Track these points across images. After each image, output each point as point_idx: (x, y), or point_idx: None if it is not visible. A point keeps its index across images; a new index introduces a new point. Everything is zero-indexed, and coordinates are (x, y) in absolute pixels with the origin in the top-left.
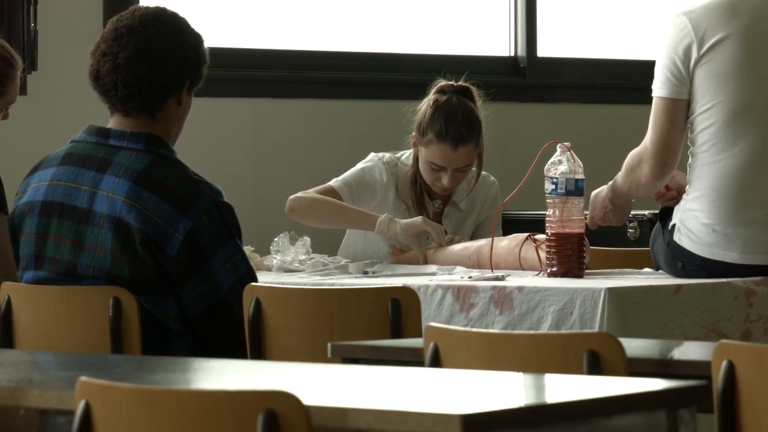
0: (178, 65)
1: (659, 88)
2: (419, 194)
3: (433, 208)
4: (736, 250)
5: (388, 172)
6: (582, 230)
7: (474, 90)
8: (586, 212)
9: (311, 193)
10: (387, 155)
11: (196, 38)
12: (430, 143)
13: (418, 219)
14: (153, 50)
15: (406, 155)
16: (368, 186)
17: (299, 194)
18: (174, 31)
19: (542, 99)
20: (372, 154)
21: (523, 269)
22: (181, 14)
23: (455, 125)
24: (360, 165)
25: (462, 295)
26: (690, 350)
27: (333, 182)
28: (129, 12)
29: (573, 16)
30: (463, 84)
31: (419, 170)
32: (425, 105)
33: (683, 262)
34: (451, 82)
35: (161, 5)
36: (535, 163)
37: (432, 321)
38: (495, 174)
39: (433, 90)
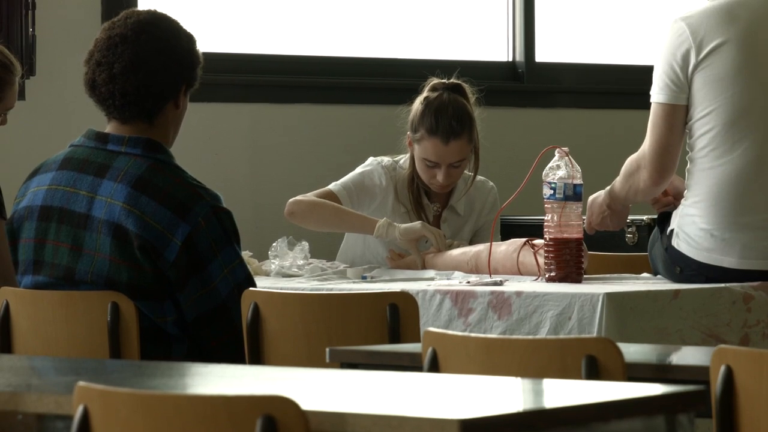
0: (174, 71)
1: (657, 94)
2: (416, 195)
3: (432, 212)
4: (735, 255)
5: (387, 176)
6: (580, 235)
7: (466, 87)
8: (584, 217)
9: (310, 196)
10: (386, 159)
11: (189, 40)
12: (422, 139)
13: (417, 224)
14: (148, 58)
15: (405, 159)
16: (367, 190)
17: (298, 197)
18: (167, 36)
19: (540, 104)
20: (371, 158)
21: (521, 274)
22: (173, 16)
23: (446, 120)
24: (359, 169)
25: (460, 300)
26: (688, 355)
27: (332, 186)
28: (121, 19)
29: (571, 22)
30: (455, 81)
31: (416, 171)
32: (417, 103)
33: (681, 267)
34: (443, 80)
35: (153, 9)
36: (534, 168)
37: (430, 326)
38: (493, 179)
39: (426, 88)
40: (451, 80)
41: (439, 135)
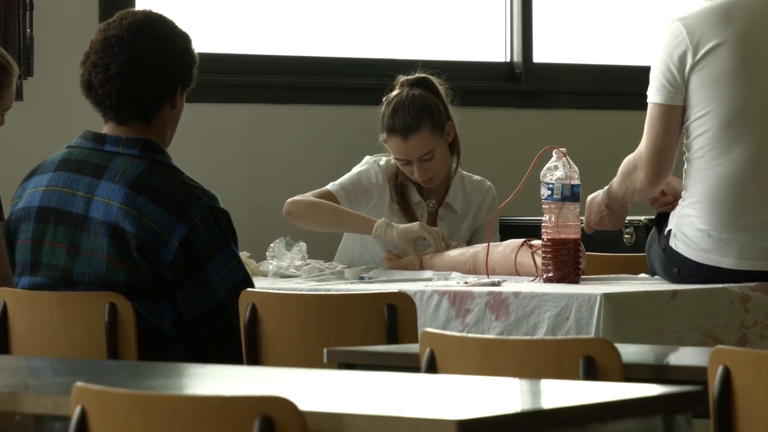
0: (170, 71)
1: (654, 95)
2: (401, 192)
3: (428, 208)
4: (732, 256)
5: (383, 174)
6: (578, 236)
7: (433, 80)
8: (582, 217)
9: (308, 196)
10: (383, 158)
11: (185, 40)
12: (387, 139)
13: (416, 224)
14: (144, 59)
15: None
16: (365, 189)
17: (296, 197)
18: (163, 36)
19: (538, 105)
20: (367, 157)
21: (519, 275)
22: (169, 16)
23: (401, 117)
24: (356, 169)
25: (458, 300)
26: (686, 356)
27: (330, 186)
28: (116, 20)
29: (569, 22)
30: (420, 75)
31: (401, 170)
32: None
33: (679, 267)
34: (409, 77)
35: (148, 9)
36: (531, 168)
37: (428, 326)
38: (491, 179)
39: (395, 87)
40: (416, 75)
41: (397, 133)
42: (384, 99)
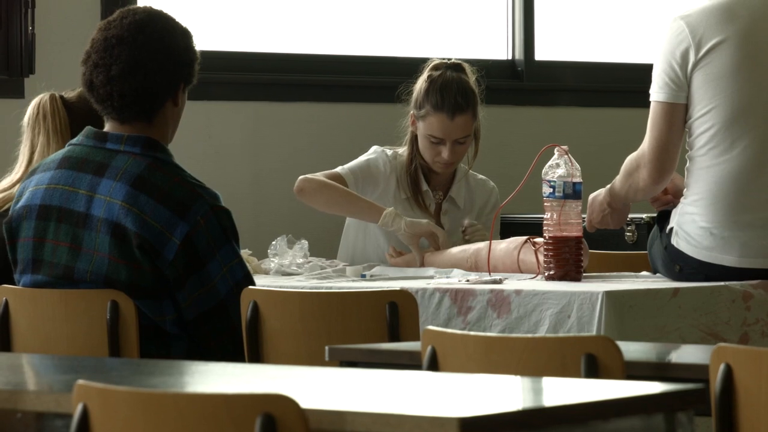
0: (171, 70)
1: (657, 93)
2: (414, 178)
3: (434, 199)
4: (734, 254)
5: (390, 164)
6: (579, 233)
7: (467, 66)
8: (584, 215)
9: (320, 176)
10: (389, 149)
11: (186, 36)
12: (427, 115)
13: (424, 221)
14: (146, 60)
15: (404, 149)
16: (373, 177)
17: (309, 176)
18: (164, 35)
19: (540, 102)
20: (375, 147)
21: (521, 272)
22: (168, 12)
23: (451, 95)
24: (364, 156)
25: (460, 298)
26: (687, 353)
27: (340, 169)
28: (117, 18)
29: (570, 20)
30: (456, 61)
31: (415, 154)
32: (420, 81)
33: (681, 265)
34: (444, 60)
35: (148, 6)
36: (533, 166)
37: (430, 324)
38: (492, 177)
39: (428, 68)
40: (452, 60)
41: (444, 110)
42: (426, 78)
